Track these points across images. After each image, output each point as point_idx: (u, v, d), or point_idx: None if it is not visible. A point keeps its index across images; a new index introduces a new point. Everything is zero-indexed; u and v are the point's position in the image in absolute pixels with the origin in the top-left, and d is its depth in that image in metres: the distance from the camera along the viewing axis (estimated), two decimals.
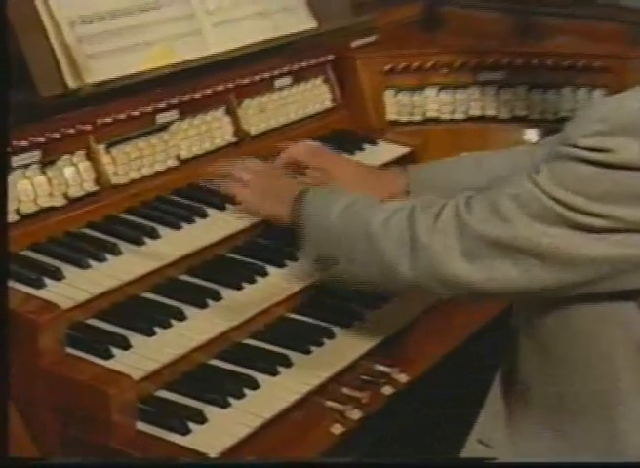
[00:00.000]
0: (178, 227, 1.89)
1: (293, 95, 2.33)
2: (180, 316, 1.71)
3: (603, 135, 1.42)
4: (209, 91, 2.10)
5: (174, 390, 1.63)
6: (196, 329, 1.70)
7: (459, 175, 1.97)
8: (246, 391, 1.64)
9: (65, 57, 1.86)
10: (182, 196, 1.98)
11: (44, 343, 1.52)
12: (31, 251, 1.75)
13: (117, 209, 1.91)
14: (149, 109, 1.98)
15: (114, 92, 1.92)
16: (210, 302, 1.76)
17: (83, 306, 1.67)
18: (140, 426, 1.54)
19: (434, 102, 2.53)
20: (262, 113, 2.24)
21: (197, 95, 2.07)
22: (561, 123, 2.43)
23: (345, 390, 1.71)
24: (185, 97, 2.05)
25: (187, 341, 1.67)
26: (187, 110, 2.06)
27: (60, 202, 1.83)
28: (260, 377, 1.67)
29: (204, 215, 1.93)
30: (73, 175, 1.86)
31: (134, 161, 1.96)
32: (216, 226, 1.92)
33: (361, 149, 2.33)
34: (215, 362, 1.71)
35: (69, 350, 1.58)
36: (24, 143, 1.76)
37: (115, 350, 1.61)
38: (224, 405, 1.60)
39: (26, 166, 1.78)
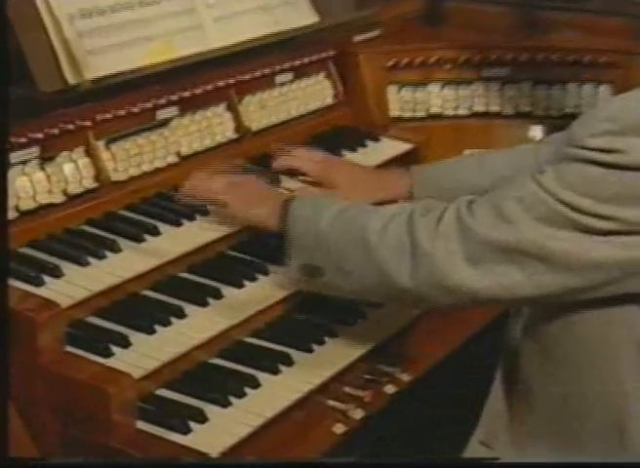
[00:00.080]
0: (178, 224, 1.89)
1: (294, 91, 2.33)
2: (181, 314, 1.71)
3: (612, 134, 1.40)
4: (209, 86, 2.10)
5: (174, 389, 1.64)
6: (197, 327, 1.70)
7: (462, 175, 1.97)
8: (247, 390, 1.64)
9: (65, 52, 1.87)
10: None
11: (43, 341, 1.53)
12: (30, 248, 1.75)
13: (117, 205, 1.91)
14: (149, 105, 1.98)
15: (114, 87, 1.92)
16: (211, 300, 1.76)
17: (82, 304, 1.67)
18: (141, 425, 1.54)
19: (438, 98, 2.53)
20: (264, 109, 2.24)
21: (197, 90, 2.07)
22: (566, 119, 2.45)
23: (347, 389, 1.71)
24: (186, 93, 2.05)
25: (188, 340, 1.67)
26: (188, 106, 2.06)
27: (59, 199, 1.84)
28: (261, 376, 1.67)
29: (205, 212, 1.93)
30: (72, 171, 1.86)
31: (133, 157, 1.96)
32: (217, 223, 1.92)
33: (363, 146, 2.33)
34: (215, 360, 1.71)
35: (69, 348, 1.58)
36: (23, 139, 1.77)
37: (115, 348, 1.61)
38: (225, 404, 1.60)
39: (25, 162, 1.79)
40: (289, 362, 1.72)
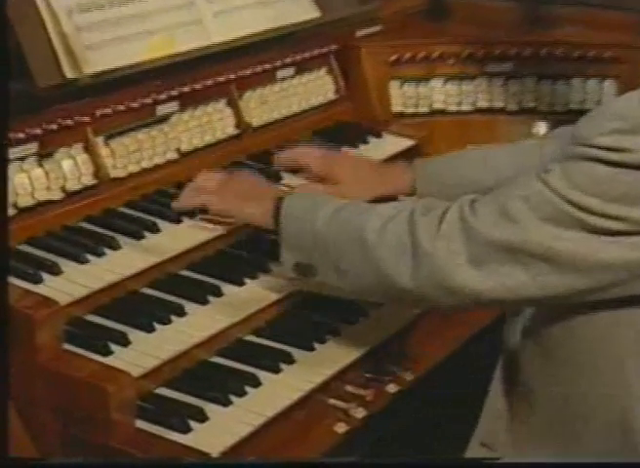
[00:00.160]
0: (178, 221, 1.89)
1: (295, 86, 2.33)
2: (181, 312, 1.71)
3: (620, 133, 1.39)
4: (210, 82, 2.10)
5: (174, 388, 1.64)
6: (197, 325, 1.70)
7: (465, 170, 1.97)
8: (248, 389, 1.64)
9: (63, 46, 1.86)
10: (183, 189, 1.98)
11: (41, 340, 1.53)
12: (28, 245, 1.75)
13: (116, 202, 1.91)
14: (149, 100, 1.98)
15: (113, 82, 1.92)
16: (211, 298, 1.76)
17: (81, 302, 1.67)
18: (140, 424, 1.54)
19: (440, 94, 2.53)
20: (264, 105, 2.24)
21: (198, 86, 2.07)
22: (571, 115, 2.46)
23: (349, 388, 1.71)
24: (186, 89, 2.05)
25: (188, 338, 1.67)
26: (188, 102, 2.06)
27: (57, 195, 1.84)
28: (262, 375, 1.67)
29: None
30: (71, 168, 1.86)
31: (133, 154, 1.96)
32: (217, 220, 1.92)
33: (365, 142, 2.33)
34: (216, 359, 1.71)
35: (67, 346, 1.58)
36: (21, 135, 1.76)
37: (114, 346, 1.61)
38: (226, 403, 1.60)
39: (23, 158, 1.79)
40: (290, 360, 1.71)
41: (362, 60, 2.45)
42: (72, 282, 1.68)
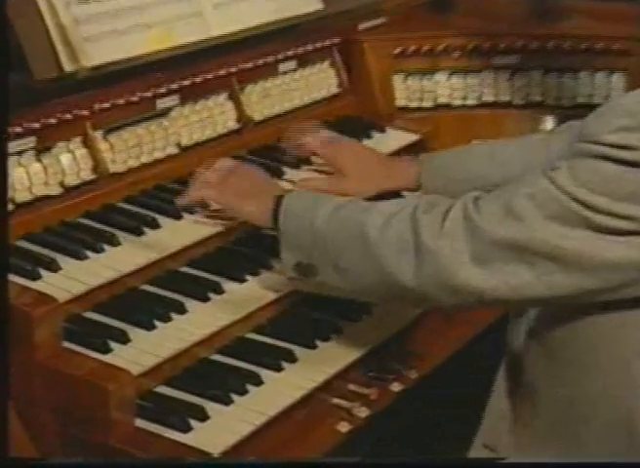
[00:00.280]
0: (178, 217, 1.89)
1: (297, 79, 2.33)
2: (181, 309, 1.72)
3: (628, 130, 1.38)
4: (210, 75, 2.10)
5: (174, 386, 1.64)
6: (197, 322, 1.71)
7: (471, 165, 1.97)
8: (249, 387, 1.64)
9: (61, 38, 1.87)
10: (183, 185, 1.98)
11: (40, 337, 1.53)
12: (26, 241, 1.76)
13: (115, 198, 1.92)
14: (149, 94, 1.98)
15: (112, 75, 1.92)
16: (212, 295, 1.77)
17: (80, 299, 1.67)
18: (140, 423, 1.55)
19: (445, 88, 2.53)
20: (266, 99, 2.24)
21: (198, 79, 2.07)
22: (578, 109, 2.46)
23: (352, 387, 1.72)
24: (186, 82, 2.05)
25: (188, 336, 1.68)
26: (188, 95, 2.07)
27: (56, 191, 1.84)
28: (263, 373, 1.67)
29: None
30: (70, 162, 1.86)
31: (132, 148, 1.96)
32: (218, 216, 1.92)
33: (369, 136, 2.33)
34: (217, 357, 1.72)
35: (66, 344, 1.59)
36: (19, 129, 1.77)
37: (114, 344, 1.62)
38: (227, 401, 1.61)
39: (21, 153, 1.79)
40: (292, 358, 1.72)
41: (365, 54, 2.45)
42: (71, 278, 1.68)
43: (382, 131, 2.37)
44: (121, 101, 1.93)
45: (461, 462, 1.70)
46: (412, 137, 2.37)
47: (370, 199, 1.86)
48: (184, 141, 2.06)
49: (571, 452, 1.59)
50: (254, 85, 2.22)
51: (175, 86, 2.03)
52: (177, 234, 1.86)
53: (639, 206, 1.39)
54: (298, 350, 1.74)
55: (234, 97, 2.17)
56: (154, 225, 1.85)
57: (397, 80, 2.51)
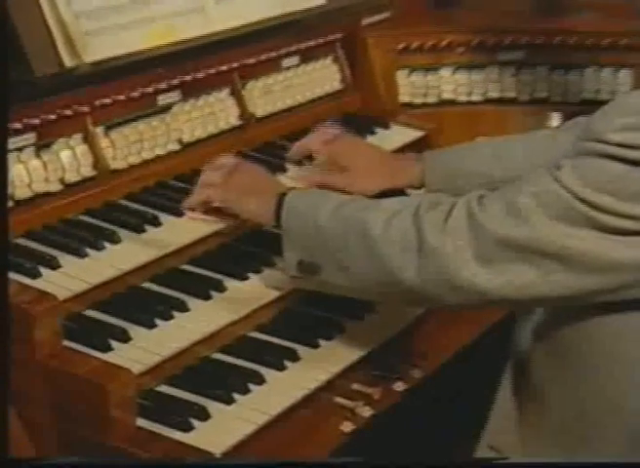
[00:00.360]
0: (180, 214, 1.89)
1: (300, 75, 2.33)
2: (183, 307, 1.72)
3: (634, 130, 1.38)
4: (212, 71, 2.10)
5: (175, 385, 1.64)
6: (199, 321, 1.71)
7: (475, 163, 1.97)
8: (251, 386, 1.65)
9: (61, 33, 1.87)
10: (185, 181, 1.98)
11: (40, 335, 1.53)
12: (26, 238, 1.76)
13: (116, 195, 1.92)
14: (150, 90, 1.99)
15: (113, 71, 1.92)
16: (213, 293, 1.77)
17: (80, 297, 1.68)
18: (141, 423, 1.55)
19: (450, 83, 2.53)
20: (269, 95, 2.24)
21: (200, 75, 2.08)
22: (584, 105, 2.45)
23: (356, 386, 1.72)
24: (188, 78, 2.05)
25: (190, 334, 1.68)
26: (190, 91, 2.07)
27: (56, 187, 1.84)
28: (266, 372, 1.68)
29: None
30: (70, 159, 1.87)
31: (133, 144, 1.96)
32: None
33: (372, 133, 2.34)
34: (218, 356, 1.72)
35: (66, 343, 1.59)
36: (18, 125, 1.77)
37: (114, 343, 1.62)
38: (229, 401, 1.61)
39: (20, 149, 1.79)
40: (295, 357, 1.72)
41: (369, 49, 2.45)
42: (71, 276, 1.68)
43: (386, 127, 2.37)
44: (122, 97, 1.93)
45: (466, 462, 1.70)
46: (416, 134, 2.37)
47: (373, 197, 1.87)
48: (186, 138, 2.06)
49: (577, 453, 1.59)
50: (256, 81, 2.22)
51: (176, 81, 2.03)
52: (178, 231, 1.86)
53: None
54: (300, 349, 1.74)
55: (236, 93, 2.17)
56: (155, 223, 1.86)
57: (401, 76, 2.51)
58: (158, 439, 1.53)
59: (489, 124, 2.50)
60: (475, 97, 2.54)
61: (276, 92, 2.26)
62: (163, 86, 2.01)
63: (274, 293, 1.81)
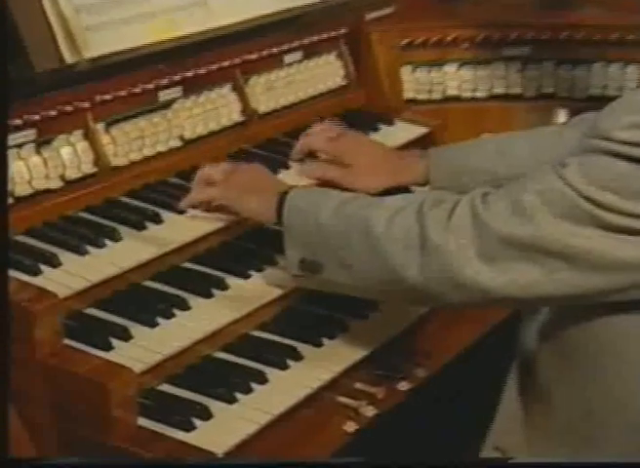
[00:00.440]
0: (181, 212, 1.89)
1: (303, 71, 2.34)
2: (184, 306, 1.72)
3: None
4: (214, 66, 2.10)
5: (177, 384, 1.65)
6: (201, 319, 1.71)
7: (480, 160, 1.97)
8: (254, 386, 1.65)
9: (62, 29, 1.87)
10: (186, 178, 1.98)
11: (40, 334, 1.54)
12: (26, 236, 1.76)
13: (117, 192, 1.92)
14: (151, 86, 1.99)
15: (114, 67, 1.92)
16: (215, 292, 1.77)
17: (81, 295, 1.68)
18: (142, 422, 1.55)
19: (454, 79, 2.53)
20: (271, 91, 2.25)
21: (202, 70, 2.08)
22: (591, 101, 2.45)
23: (359, 385, 1.72)
24: (189, 73, 2.05)
25: (192, 333, 1.68)
26: (191, 87, 2.07)
27: (56, 184, 1.84)
28: (268, 371, 1.68)
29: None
30: (70, 155, 1.87)
31: (134, 141, 1.97)
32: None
33: (376, 130, 2.34)
34: (220, 354, 1.72)
35: (67, 341, 1.59)
36: (18, 122, 1.77)
37: (115, 341, 1.62)
38: (231, 400, 1.61)
39: (20, 146, 1.80)
40: (297, 356, 1.72)
41: (373, 45, 2.45)
42: (72, 274, 1.69)
43: (390, 123, 2.37)
44: (123, 93, 1.94)
45: (471, 463, 1.71)
46: (420, 130, 2.37)
47: (377, 194, 1.87)
48: (188, 134, 2.06)
49: (583, 453, 1.59)
50: (258, 76, 2.22)
51: (177, 77, 2.03)
52: (180, 229, 1.86)
53: None
54: (303, 348, 1.74)
55: (238, 89, 2.17)
56: (157, 220, 1.86)
57: (405, 72, 2.51)
58: (160, 438, 1.53)
59: (494, 120, 2.50)
60: (480, 94, 2.54)
61: (279, 88, 2.26)
62: (164, 82, 2.01)
63: (277, 292, 1.82)
